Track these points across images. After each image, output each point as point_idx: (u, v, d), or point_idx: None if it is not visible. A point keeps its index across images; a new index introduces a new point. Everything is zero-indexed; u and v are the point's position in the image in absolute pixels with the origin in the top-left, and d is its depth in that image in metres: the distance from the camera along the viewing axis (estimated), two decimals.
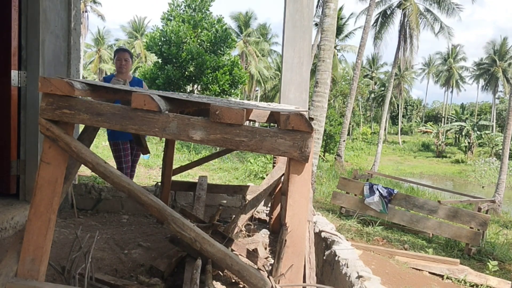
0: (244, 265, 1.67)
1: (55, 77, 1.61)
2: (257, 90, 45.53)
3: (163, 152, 3.54)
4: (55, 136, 1.65)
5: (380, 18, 25.63)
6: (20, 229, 3.00)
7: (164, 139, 5.22)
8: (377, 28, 25.73)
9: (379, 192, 7.55)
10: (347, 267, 2.25)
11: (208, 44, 18.16)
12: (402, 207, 7.51)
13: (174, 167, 3.61)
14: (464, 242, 6.72)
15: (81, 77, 4.37)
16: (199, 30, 18.06)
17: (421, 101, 62.80)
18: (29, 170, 3.37)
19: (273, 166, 3.66)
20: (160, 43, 17.70)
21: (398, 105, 50.45)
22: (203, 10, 18.48)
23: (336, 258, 2.44)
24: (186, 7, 18.68)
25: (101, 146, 12.69)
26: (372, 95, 48.90)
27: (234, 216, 3.35)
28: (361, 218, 7.54)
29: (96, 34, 46.50)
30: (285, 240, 1.72)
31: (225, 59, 18.51)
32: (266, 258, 2.78)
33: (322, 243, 2.89)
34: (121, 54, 4.17)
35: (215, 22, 18.39)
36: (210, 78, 17.59)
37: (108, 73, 45.14)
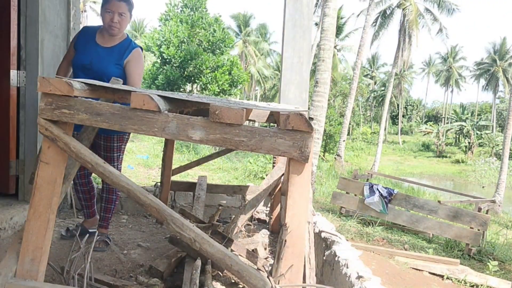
0: (243, 266, 1.67)
1: (54, 77, 1.60)
2: (257, 90, 45.54)
3: (162, 152, 3.54)
4: (54, 136, 1.64)
5: (379, 18, 25.64)
6: (19, 229, 2.99)
7: (163, 139, 5.21)
8: (377, 28, 25.75)
9: (379, 192, 7.54)
10: (347, 267, 2.24)
11: (207, 44, 18.16)
12: (402, 207, 7.51)
13: (173, 167, 3.60)
14: (464, 242, 6.71)
15: None
16: (197, 30, 18.05)
17: (421, 101, 62.81)
18: (28, 170, 3.36)
19: (273, 166, 3.66)
20: (158, 44, 17.70)
21: (398, 105, 50.45)
22: (199, 9, 18.47)
23: (336, 259, 2.44)
24: (183, 7, 18.67)
25: None
26: (372, 95, 48.90)
27: (233, 216, 3.34)
28: (361, 218, 7.53)
29: None
30: (285, 240, 1.72)
31: (224, 58, 18.50)
32: (266, 258, 2.77)
33: (322, 243, 2.88)
34: (115, 5, 2.60)
35: (213, 22, 18.38)
36: (209, 78, 17.59)
37: None
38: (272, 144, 1.61)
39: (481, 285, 4.77)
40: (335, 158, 20.78)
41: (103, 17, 2.64)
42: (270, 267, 2.41)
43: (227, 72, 17.96)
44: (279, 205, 3.38)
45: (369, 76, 51.10)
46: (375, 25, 25.61)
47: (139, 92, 1.64)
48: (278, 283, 1.70)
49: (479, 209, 7.08)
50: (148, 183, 6.97)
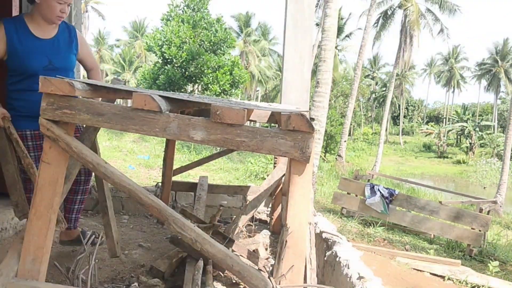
0: (244, 266, 1.67)
1: (56, 77, 1.60)
2: (258, 90, 45.53)
3: (163, 152, 3.54)
4: (56, 136, 1.64)
5: (381, 19, 25.63)
6: (21, 229, 3.00)
7: (164, 139, 5.20)
8: (378, 29, 25.75)
9: (380, 192, 7.53)
10: (348, 268, 2.24)
11: (208, 44, 18.18)
12: (403, 208, 7.49)
13: (174, 167, 3.60)
14: (465, 243, 6.70)
15: (81, 77, 4.25)
16: (199, 30, 18.07)
17: (423, 102, 62.70)
18: None
19: (274, 167, 3.66)
20: (160, 44, 17.73)
21: (399, 106, 50.38)
22: (201, 10, 18.50)
23: (337, 259, 2.44)
24: (185, 7, 18.70)
25: (101, 147, 12.70)
26: (373, 96, 48.84)
27: (234, 216, 3.35)
28: (362, 219, 7.52)
29: (96, 34, 46.61)
30: (286, 241, 1.71)
31: (226, 59, 18.53)
32: (266, 258, 2.78)
33: (323, 244, 2.88)
34: None
35: (214, 22, 18.41)
36: (211, 78, 17.61)
37: (109, 74, 44.23)
38: (273, 144, 1.61)
39: (482, 286, 4.76)
40: (336, 158, 20.78)
41: (51, 7, 2.26)
42: (271, 268, 2.41)
43: (229, 73, 17.98)
44: (280, 205, 3.37)
45: (370, 77, 51.04)
46: (376, 26, 25.61)
47: (140, 92, 1.65)
48: (279, 284, 1.70)
49: (481, 210, 7.06)
50: (149, 183, 6.97)
